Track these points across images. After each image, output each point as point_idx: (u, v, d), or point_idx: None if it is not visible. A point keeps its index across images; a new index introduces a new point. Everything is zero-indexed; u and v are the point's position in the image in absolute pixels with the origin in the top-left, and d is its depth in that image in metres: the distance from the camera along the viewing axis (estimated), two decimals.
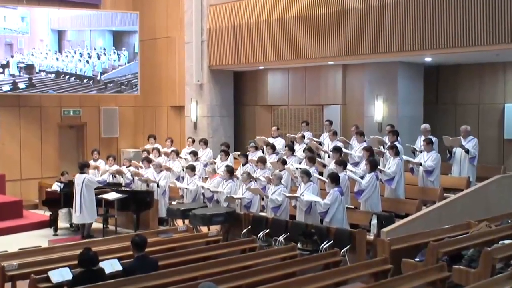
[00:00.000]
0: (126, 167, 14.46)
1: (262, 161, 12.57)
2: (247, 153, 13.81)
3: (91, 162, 14.81)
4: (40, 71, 17.19)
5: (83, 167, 12.70)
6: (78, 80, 17.67)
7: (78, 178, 12.52)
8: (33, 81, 17.09)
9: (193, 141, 15.60)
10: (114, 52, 18.11)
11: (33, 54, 17.11)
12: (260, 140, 14.45)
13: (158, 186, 13.52)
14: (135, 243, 7.21)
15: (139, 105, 19.37)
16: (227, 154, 13.90)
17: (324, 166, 11.97)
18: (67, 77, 17.53)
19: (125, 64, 18.28)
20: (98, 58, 17.90)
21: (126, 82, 18.26)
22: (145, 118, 19.41)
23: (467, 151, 11.96)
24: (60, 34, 17.53)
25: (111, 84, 18.07)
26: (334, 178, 10.38)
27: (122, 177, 14.18)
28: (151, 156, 14.81)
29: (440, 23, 12.12)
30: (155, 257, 7.92)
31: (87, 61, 17.79)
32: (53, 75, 17.37)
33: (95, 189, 12.72)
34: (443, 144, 12.36)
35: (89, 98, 18.17)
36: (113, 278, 7.30)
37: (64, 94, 17.57)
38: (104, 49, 17.98)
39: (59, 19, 17.48)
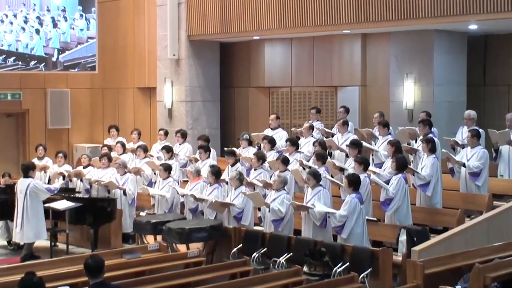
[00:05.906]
0: (84, 167, 14.41)
1: (260, 157, 12.58)
2: (235, 148, 13.79)
3: (35, 161, 14.77)
4: None
5: (27, 170, 12.62)
6: (20, 62, 16.15)
7: (22, 184, 12.47)
8: None
9: (166, 134, 15.59)
10: (81, 16, 16.08)
11: None
12: (258, 137, 14.38)
13: (124, 193, 13.51)
14: (89, 267, 7.22)
15: (97, 86, 19.35)
16: (207, 150, 13.86)
17: (342, 170, 11.84)
18: (2, 57, 15.93)
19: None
20: (54, 26, 16.11)
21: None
22: (104, 103, 19.39)
23: None
24: None
25: (75, 69, 16.46)
26: (353, 182, 10.39)
27: (81, 180, 14.14)
28: (113, 153, 14.79)
29: None
30: (118, 284, 7.92)
31: (37, 31, 15.89)
32: None
33: None
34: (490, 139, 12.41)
35: (32, 77, 18.09)
36: None
37: None
38: (64, 10, 16.03)
39: None
